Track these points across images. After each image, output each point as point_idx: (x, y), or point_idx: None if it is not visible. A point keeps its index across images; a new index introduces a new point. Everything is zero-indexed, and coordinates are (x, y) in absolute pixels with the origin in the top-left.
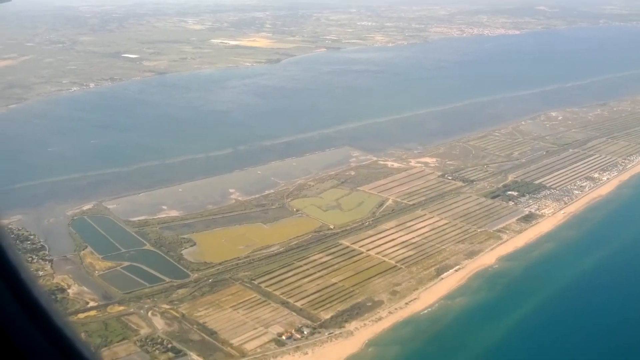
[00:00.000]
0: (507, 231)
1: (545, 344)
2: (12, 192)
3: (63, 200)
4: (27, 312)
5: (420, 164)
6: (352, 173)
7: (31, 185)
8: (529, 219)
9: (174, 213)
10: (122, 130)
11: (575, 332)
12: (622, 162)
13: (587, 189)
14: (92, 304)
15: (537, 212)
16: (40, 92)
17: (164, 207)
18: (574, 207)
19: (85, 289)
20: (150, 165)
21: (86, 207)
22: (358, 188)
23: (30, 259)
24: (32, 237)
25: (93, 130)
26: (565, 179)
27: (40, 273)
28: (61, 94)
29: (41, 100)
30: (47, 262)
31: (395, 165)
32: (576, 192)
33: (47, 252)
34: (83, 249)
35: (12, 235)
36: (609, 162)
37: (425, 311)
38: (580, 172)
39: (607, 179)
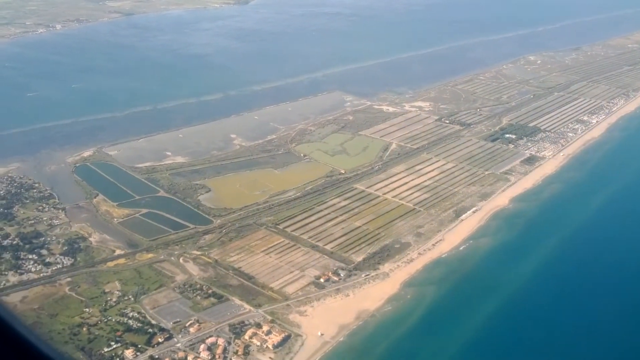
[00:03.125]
0: (514, 173)
1: (573, 279)
2: (3, 138)
3: (60, 147)
4: None
5: (414, 108)
6: (350, 118)
7: (22, 131)
8: (531, 161)
9: (179, 159)
10: (104, 74)
11: (597, 265)
12: (607, 105)
13: (579, 131)
14: (118, 252)
15: (538, 154)
16: (5, 34)
17: (168, 153)
18: (571, 149)
19: (107, 237)
20: (143, 110)
21: (86, 153)
22: (359, 132)
23: (41, 207)
24: (36, 185)
25: (73, 74)
26: (557, 121)
27: (56, 222)
28: (28, 35)
29: (8, 42)
30: (60, 211)
31: (391, 109)
32: (570, 134)
33: (57, 200)
34: (95, 197)
35: (15, 184)
36: (595, 105)
37: (453, 252)
38: (570, 115)
39: (597, 121)
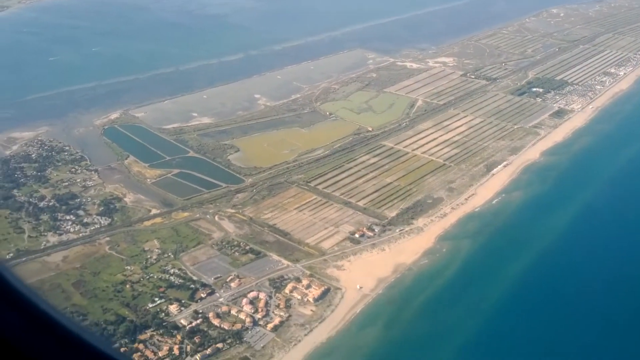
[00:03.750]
0: (543, 127)
1: (607, 231)
2: (29, 103)
3: (86, 110)
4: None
5: (438, 64)
6: (374, 75)
7: (47, 95)
8: (560, 114)
9: (206, 120)
10: (123, 37)
11: (631, 216)
12: (634, 57)
13: (607, 83)
14: (154, 211)
15: (566, 107)
16: None
17: (194, 114)
18: (600, 101)
19: (141, 197)
20: (165, 72)
21: (113, 116)
22: (384, 90)
23: (73, 169)
24: (67, 147)
25: (92, 38)
26: (584, 74)
27: (90, 183)
28: (43, 0)
29: (25, 7)
30: (92, 172)
31: (414, 65)
32: (598, 87)
33: (89, 162)
34: (126, 158)
35: (45, 147)
36: (621, 57)
37: (486, 206)
38: (596, 67)
39: (624, 73)
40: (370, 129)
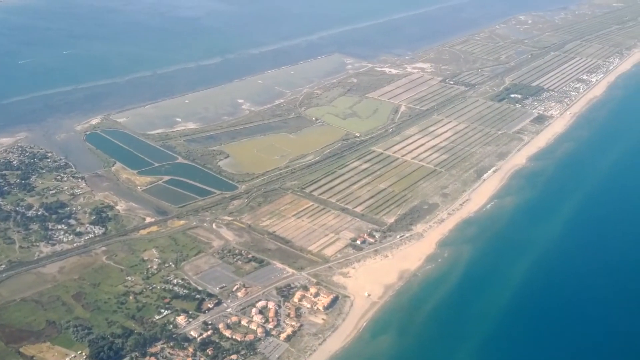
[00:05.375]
0: (526, 132)
1: (599, 231)
2: (4, 107)
3: (65, 115)
4: None
5: (416, 70)
6: (354, 80)
7: (22, 100)
8: (540, 120)
9: (191, 125)
10: (96, 40)
11: (620, 216)
12: (604, 64)
13: (581, 90)
14: (149, 219)
15: (545, 113)
16: None
17: (178, 119)
18: (577, 107)
19: (134, 204)
20: (143, 76)
21: (94, 121)
22: (366, 95)
23: (59, 177)
24: (49, 154)
25: (64, 40)
26: (558, 80)
27: (78, 191)
28: (8, 1)
29: None
30: (79, 180)
31: (393, 71)
32: (573, 93)
33: (74, 169)
34: (112, 165)
35: (27, 153)
36: (592, 64)
37: (481, 211)
38: (569, 74)
39: (596, 80)
40: (357, 134)
